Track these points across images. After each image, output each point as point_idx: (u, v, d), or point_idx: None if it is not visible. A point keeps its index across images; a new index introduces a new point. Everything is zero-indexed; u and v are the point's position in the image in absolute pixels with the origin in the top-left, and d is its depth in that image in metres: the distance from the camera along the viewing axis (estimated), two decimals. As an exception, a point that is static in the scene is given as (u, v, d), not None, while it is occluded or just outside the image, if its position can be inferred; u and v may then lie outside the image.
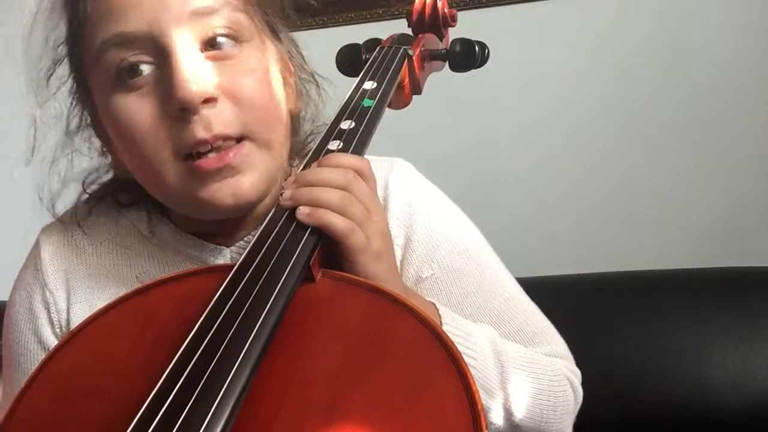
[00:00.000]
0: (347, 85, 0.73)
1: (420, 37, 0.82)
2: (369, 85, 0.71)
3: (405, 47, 0.78)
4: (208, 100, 0.61)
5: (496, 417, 0.65)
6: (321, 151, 0.63)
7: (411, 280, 0.72)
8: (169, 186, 0.64)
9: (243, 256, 0.55)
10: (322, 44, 0.77)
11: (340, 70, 0.82)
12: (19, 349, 0.71)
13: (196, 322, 0.50)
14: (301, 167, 0.63)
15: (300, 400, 0.47)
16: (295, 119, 0.72)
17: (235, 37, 0.64)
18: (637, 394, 1.07)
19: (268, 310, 0.50)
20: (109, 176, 0.75)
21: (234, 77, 0.63)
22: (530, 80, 1.66)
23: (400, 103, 0.78)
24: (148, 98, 0.62)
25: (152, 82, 0.62)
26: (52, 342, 0.70)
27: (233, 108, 0.62)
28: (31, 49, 0.70)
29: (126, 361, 0.52)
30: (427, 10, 0.85)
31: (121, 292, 0.59)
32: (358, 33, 0.87)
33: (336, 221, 0.56)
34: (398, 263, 0.71)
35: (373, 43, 0.82)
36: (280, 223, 0.57)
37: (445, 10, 0.86)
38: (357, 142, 0.64)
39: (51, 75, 0.70)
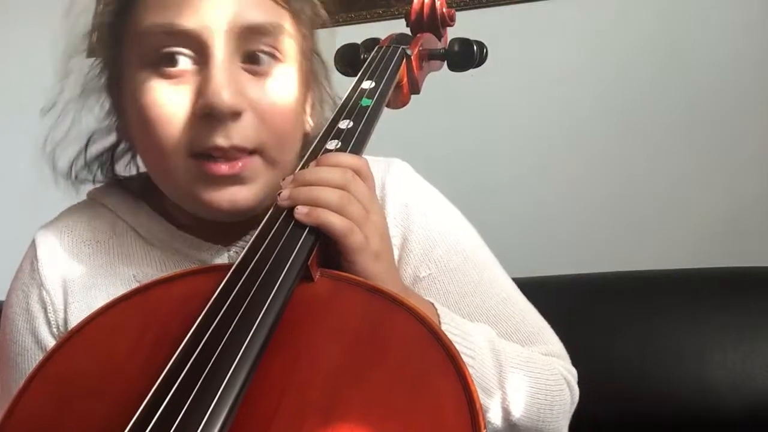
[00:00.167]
0: (346, 84, 0.73)
1: (418, 37, 0.82)
2: (367, 84, 0.71)
3: (403, 47, 0.78)
4: (236, 113, 0.62)
5: (494, 416, 0.65)
6: (319, 150, 0.64)
7: (408, 279, 0.72)
8: (173, 177, 0.65)
9: (241, 256, 0.55)
10: (321, 43, 0.77)
11: (338, 70, 0.82)
12: (16, 349, 0.71)
13: (195, 322, 0.50)
14: (300, 166, 0.63)
15: (298, 399, 0.46)
16: (305, 136, 0.73)
17: (275, 57, 0.66)
18: (637, 394, 1.07)
19: (266, 309, 0.50)
20: (111, 140, 0.76)
21: (265, 95, 0.65)
22: (530, 80, 1.66)
23: (399, 102, 0.78)
24: (180, 91, 0.63)
25: (187, 77, 0.63)
26: (50, 342, 0.70)
27: (256, 124, 0.64)
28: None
29: (125, 361, 0.51)
30: (426, 9, 0.85)
31: (119, 292, 0.59)
32: (357, 33, 0.87)
33: (334, 220, 0.56)
34: (396, 263, 0.71)
35: (371, 42, 0.82)
36: (278, 223, 0.57)
37: (444, 9, 0.86)
38: (355, 142, 0.64)
39: (91, 34, 0.72)
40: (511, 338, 0.71)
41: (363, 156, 0.64)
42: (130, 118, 0.68)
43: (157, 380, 0.46)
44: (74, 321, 0.68)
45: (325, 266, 0.57)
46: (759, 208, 1.49)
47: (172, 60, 0.63)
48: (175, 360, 0.47)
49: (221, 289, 0.52)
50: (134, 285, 0.64)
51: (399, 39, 0.81)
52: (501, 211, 1.54)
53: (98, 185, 0.77)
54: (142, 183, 0.76)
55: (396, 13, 1.74)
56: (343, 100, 0.70)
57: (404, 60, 0.77)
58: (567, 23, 1.66)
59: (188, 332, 0.49)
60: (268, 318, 0.50)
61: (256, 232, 0.57)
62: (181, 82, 0.63)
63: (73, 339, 0.55)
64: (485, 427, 0.45)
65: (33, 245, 0.73)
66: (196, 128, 0.63)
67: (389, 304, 0.53)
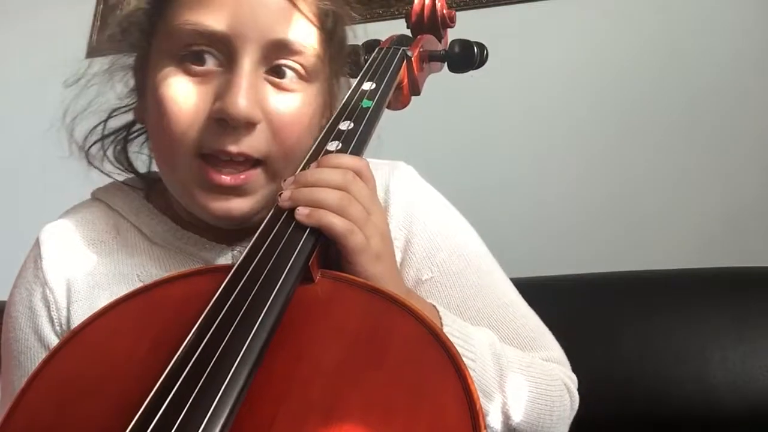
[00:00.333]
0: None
1: (419, 38, 0.82)
2: (368, 86, 0.71)
3: (404, 48, 0.78)
4: (251, 124, 0.63)
5: (494, 420, 0.65)
6: (320, 151, 0.64)
7: (410, 282, 0.73)
8: (177, 172, 0.66)
9: (242, 257, 0.55)
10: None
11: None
12: (19, 347, 0.71)
13: (196, 323, 0.50)
14: (300, 167, 0.63)
15: (299, 400, 0.47)
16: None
17: (300, 74, 0.67)
18: (637, 394, 1.07)
19: (267, 310, 0.50)
20: (128, 118, 0.77)
21: (282, 110, 0.65)
22: (530, 80, 1.66)
23: (399, 103, 0.78)
24: (200, 90, 0.64)
25: (210, 78, 0.64)
26: (53, 340, 0.70)
27: (268, 135, 0.65)
28: None
29: (126, 361, 0.52)
30: (426, 11, 0.85)
31: (122, 291, 0.59)
32: (356, 33, 0.87)
33: (335, 222, 0.56)
34: (398, 265, 0.71)
35: (372, 43, 0.82)
36: (279, 224, 0.57)
37: (444, 11, 0.87)
38: (356, 143, 0.64)
39: (132, 19, 0.72)
40: (511, 343, 0.72)
41: (365, 157, 0.64)
42: (149, 104, 0.69)
43: (158, 381, 0.46)
44: (77, 320, 0.68)
45: (325, 267, 0.57)
46: (759, 208, 1.49)
47: (199, 58, 0.64)
48: (176, 361, 0.47)
49: (222, 290, 0.52)
50: (137, 284, 0.65)
51: (399, 40, 0.81)
52: (501, 211, 1.54)
53: (102, 177, 0.77)
54: (146, 183, 0.76)
55: (396, 13, 1.74)
56: (343, 101, 0.70)
57: (405, 61, 0.77)
58: (567, 23, 1.66)
59: (189, 333, 0.49)
60: (268, 319, 0.50)
61: (257, 232, 0.57)
62: (203, 82, 0.64)
63: (74, 340, 0.55)
64: (485, 428, 0.46)
65: (37, 243, 0.74)
66: (209, 130, 0.64)
67: (390, 305, 0.53)
